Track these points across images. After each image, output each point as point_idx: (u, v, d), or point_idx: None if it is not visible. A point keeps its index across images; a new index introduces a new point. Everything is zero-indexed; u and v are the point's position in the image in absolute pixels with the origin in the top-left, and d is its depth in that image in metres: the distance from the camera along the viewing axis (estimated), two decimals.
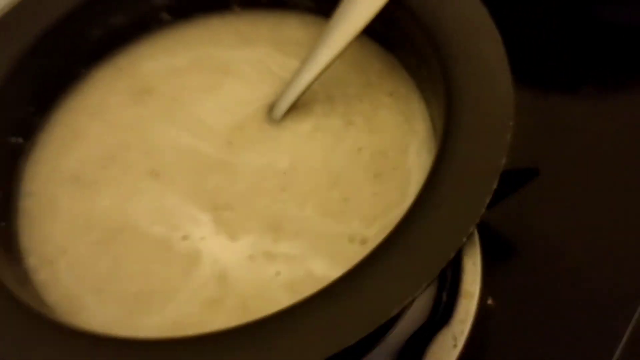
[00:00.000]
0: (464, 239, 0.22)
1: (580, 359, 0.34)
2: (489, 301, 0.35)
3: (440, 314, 0.35)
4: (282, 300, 0.24)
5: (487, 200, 0.23)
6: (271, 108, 0.29)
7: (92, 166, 0.29)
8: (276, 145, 0.28)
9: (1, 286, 0.24)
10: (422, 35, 0.28)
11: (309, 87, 0.29)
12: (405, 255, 0.22)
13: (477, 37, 0.27)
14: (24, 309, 0.24)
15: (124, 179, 0.28)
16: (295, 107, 0.29)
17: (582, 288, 0.35)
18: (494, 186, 0.23)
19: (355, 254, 0.24)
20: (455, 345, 0.34)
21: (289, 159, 0.27)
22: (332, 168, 0.27)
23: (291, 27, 0.32)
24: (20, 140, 0.30)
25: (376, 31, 0.31)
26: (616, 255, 0.36)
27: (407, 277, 0.22)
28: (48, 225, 0.28)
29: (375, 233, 0.26)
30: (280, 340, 0.21)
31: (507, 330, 0.35)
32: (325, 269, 0.25)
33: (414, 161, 0.28)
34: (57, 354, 0.22)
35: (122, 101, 0.30)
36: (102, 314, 0.25)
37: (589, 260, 0.36)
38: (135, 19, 0.33)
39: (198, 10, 0.34)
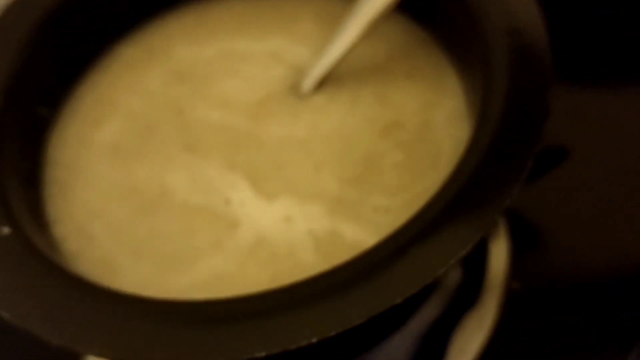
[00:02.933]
0: (509, 200, 0.22)
1: (607, 343, 0.34)
2: (515, 284, 0.35)
3: (467, 298, 0.35)
4: (311, 258, 0.25)
5: (529, 164, 0.23)
6: (290, 86, 0.31)
7: (128, 138, 0.30)
8: (296, 117, 0.30)
9: (36, 251, 0.24)
10: (459, 8, 0.28)
11: (336, 63, 0.30)
12: (449, 218, 0.22)
13: (514, 8, 0.27)
14: (61, 272, 0.24)
15: (160, 151, 0.29)
16: None
17: (608, 272, 0.35)
18: (537, 149, 0.23)
19: (379, 219, 0.26)
20: (481, 329, 0.34)
21: (307, 129, 0.29)
22: (346, 137, 0.29)
23: (305, 20, 0.33)
24: (45, 111, 0.31)
25: (410, 5, 0.31)
26: None
27: (452, 239, 0.22)
28: (82, 192, 0.29)
29: (400, 203, 0.26)
30: (323, 299, 0.21)
31: (533, 314, 0.35)
32: (351, 231, 0.26)
33: (442, 134, 0.28)
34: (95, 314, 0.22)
35: (156, 80, 0.32)
36: (137, 274, 0.26)
37: (617, 244, 0.36)
38: None
39: None
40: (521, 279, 0.35)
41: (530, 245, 0.37)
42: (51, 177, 0.29)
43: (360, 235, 0.26)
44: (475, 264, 0.36)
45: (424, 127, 0.29)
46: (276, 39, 0.32)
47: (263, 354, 0.20)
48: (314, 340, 0.20)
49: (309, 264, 0.25)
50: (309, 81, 0.30)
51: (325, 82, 0.30)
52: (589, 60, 0.44)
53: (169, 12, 0.34)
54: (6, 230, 0.24)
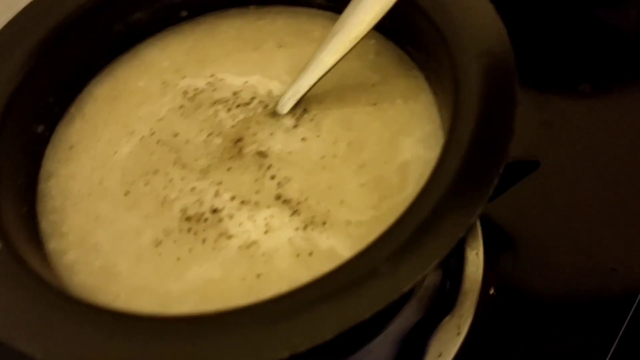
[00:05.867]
0: (473, 219, 0.23)
1: (581, 348, 0.35)
2: (491, 291, 0.36)
3: (444, 303, 0.36)
4: (289, 265, 0.27)
5: (495, 183, 0.24)
6: (267, 112, 0.33)
7: (135, 157, 0.32)
8: (271, 137, 0.32)
9: (26, 266, 0.25)
10: (432, 30, 0.30)
11: (313, 87, 0.32)
12: (416, 235, 0.23)
13: (484, 32, 0.28)
14: (49, 288, 0.25)
15: (160, 168, 0.31)
16: None
17: (581, 278, 0.36)
18: (501, 170, 0.24)
19: (351, 232, 0.28)
20: (458, 334, 0.35)
21: (280, 148, 0.31)
22: (312, 157, 0.31)
23: (279, 61, 0.35)
24: (41, 128, 0.33)
25: (385, 26, 0.32)
26: (616, 245, 0.37)
27: (419, 256, 0.23)
28: (89, 205, 0.31)
29: (369, 218, 0.28)
30: (295, 315, 0.22)
31: (509, 319, 0.36)
32: (326, 242, 0.28)
33: (409, 156, 0.30)
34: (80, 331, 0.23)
35: (164, 109, 0.34)
36: (135, 279, 0.28)
37: (588, 251, 0.37)
38: (155, 16, 0.37)
39: (215, 8, 0.38)
40: (497, 285, 0.36)
41: (505, 252, 0.38)
42: (54, 191, 0.31)
43: (334, 245, 0.27)
44: (453, 271, 0.37)
45: (390, 150, 0.30)
46: (254, 75, 0.35)
47: None
48: (285, 355, 0.21)
49: (288, 270, 0.27)
50: (286, 103, 0.32)
51: (297, 105, 0.32)
52: (562, 73, 0.45)
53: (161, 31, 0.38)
54: None
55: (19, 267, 0.25)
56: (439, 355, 0.35)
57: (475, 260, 0.37)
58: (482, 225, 0.36)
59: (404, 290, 0.22)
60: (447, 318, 0.35)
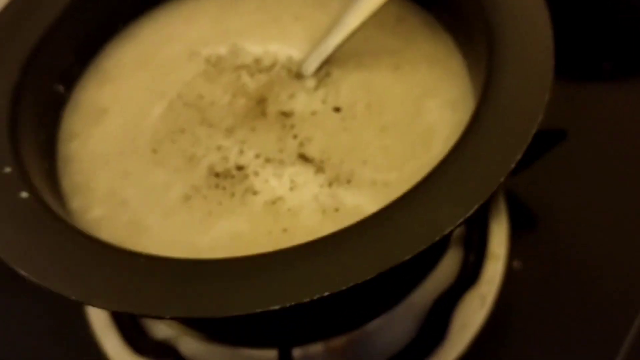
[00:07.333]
0: (512, 165, 0.23)
1: (603, 322, 0.35)
2: (515, 263, 0.36)
3: (468, 275, 0.36)
4: (316, 220, 0.27)
5: (533, 132, 0.24)
6: (289, 75, 0.33)
7: (165, 118, 0.32)
8: (293, 98, 0.32)
9: (54, 213, 0.25)
10: None
11: (338, 48, 0.32)
12: (455, 180, 0.23)
13: None
14: (79, 233, 0.24)
15: (187, 128, 0.32)
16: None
17: (606, 251, 0.36)
18: (540, 118, 0.24)
19: (377, 190, 0.28)
20: (482, 305, 0.35)
21: (302, 109, 0.31)
22: (333, 118, 0.31)
23: (297, 32, 0.36)
24: (61, 88, 0.33)
25: None
26: None
27: (459, 200, 0.23)
28: (119, 163, 0.31)
29: (394, 178, 0.28)
30: (336, 254, 0.22)
31: (533, 292, 0.36)
32: (351, 198, 0.28)
33: (434, 119, 0.30)
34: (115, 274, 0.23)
35: (190, 74, 0.34)
36: (164, 234, 0.28)
37: (612, 225, 0.37)
38: None
39: None
40: (522, 259, 0.36)
41: (529, 226, 0.37)
42: (80, 151, 0.31)
43: (361, 202, 0.27)
44: (476, 244, 0.36)
45: (413, 113, 0.30)
46: (274, 44, 0.35)
47: (277, 307, 0.21)
48: (326, 294, 0.21)
49: (315, 225, 0.27)
50: (310, 64, 0.32)
51: (321, 68, 0.32)
52: (585, 51, 0.45)
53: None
54: (24, 194, 0.25)
55: (49, 215, 0.25)
56: (464, 326, 0.34)
57: (499, 232, 0.36)
58: (506, 196, 0.36)
59: (445, 231, 0.22)
60: (471, 290, 0.35)
